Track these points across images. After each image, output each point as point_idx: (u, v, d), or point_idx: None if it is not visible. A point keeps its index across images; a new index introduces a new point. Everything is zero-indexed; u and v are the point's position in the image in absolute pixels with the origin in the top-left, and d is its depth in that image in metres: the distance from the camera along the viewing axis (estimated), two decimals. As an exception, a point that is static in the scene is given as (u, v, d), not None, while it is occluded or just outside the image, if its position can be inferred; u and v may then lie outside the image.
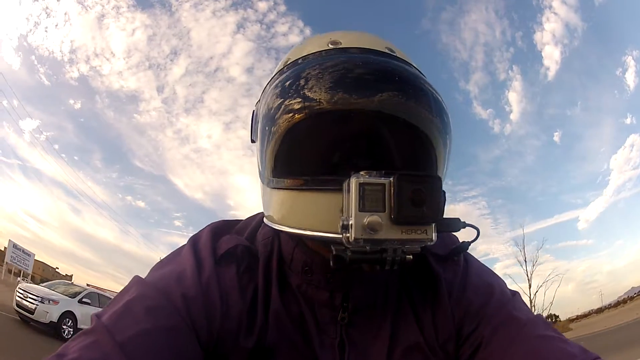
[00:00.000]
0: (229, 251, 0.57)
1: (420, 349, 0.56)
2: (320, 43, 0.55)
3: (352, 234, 0.41)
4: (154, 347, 0.47)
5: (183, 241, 0.62)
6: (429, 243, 0.43)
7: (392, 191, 0.42)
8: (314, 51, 0.54)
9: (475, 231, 0.55)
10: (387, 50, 0.54)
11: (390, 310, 0.58)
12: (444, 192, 0.50)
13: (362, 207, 0.41)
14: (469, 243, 0.56)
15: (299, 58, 0.54)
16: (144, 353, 0.46)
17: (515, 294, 0.60)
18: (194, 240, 0.59)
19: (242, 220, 0.65)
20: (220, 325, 0.53)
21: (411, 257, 0.44)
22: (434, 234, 0.43)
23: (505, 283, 0.62)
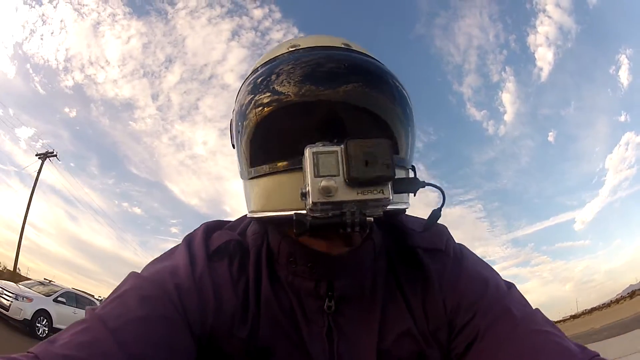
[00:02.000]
0: (221, 246, 0.59)
1: (412, 335, 0.57)
2: (281, 49, 0.59)
3: (309, 199, 0.44)
4: (145, 335, 0.47)
5: (180, 248, 0.63)
6: (387, 202, 0.46)
7: (343, 155, 0.45)
8: (275, 56, 0.58)
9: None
10: (343, 46, 0.58)
11: (379, 297, 0.58)
12: (413, 167, 0.56)
13: (317, 173, 0.44)
14: (439, 209, 0.56)
15: (261, 64, 0.59)
16: (135, 340, 0.46)
17: (511, 286, 0.60)
18: (189, 239, 0.61)
19: (235, 220, 0.68)
20: (213, 318, 0.54)
21: (372, 219, 0.46)
22: (390, 193, 0.45)
23: (500, 276, 0.62)
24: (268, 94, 0.54)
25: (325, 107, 0.52)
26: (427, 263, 0.59)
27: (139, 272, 0.57)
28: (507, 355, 0.51)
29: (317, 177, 0.44)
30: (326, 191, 0.44)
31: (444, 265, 0.60)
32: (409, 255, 0.61)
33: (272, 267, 0.59)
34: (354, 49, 0.58)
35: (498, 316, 0.54)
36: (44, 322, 8.22)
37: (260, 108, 0.54)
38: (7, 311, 7.95)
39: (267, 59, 0.59)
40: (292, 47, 0.58)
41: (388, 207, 0.48)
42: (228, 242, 0.60)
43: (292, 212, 0.48)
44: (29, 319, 7.98)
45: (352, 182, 0.44)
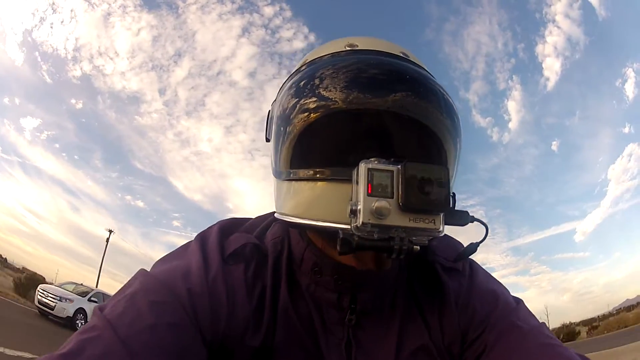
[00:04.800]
0: (238, 250, 0.58)
1: (428, 351, 0.57)
2: (337, 46, 0.57)
3: (360, 218, 0.42)
4: (157, 343, 0.47)
5: (182, 241, 0.62)
6: (437, 234, 0.44)
7: (400, 178, 0.42)
8: (331, 52, 0.56)
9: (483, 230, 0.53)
10: (401, 54, 0.56)
11: (398, 313, 0.59)
12: (454, 194, 0.52)
13: (371, 192, 0.42)
14: (477, 244, 0.54)
15: (316, 59, 0.57)
16: (147, 349, 0.46)
17: (519, 302, 0.61)
18: (203, 238, 0.59)
19: (251, 219, 0.66)
20: (226, 324, 0.53)
21: (418, 247, 0.44)
22: (441, 225, 0.43)
23: (508, 291, 0.63)
24: (314, 98, 0.51)
25: (381, 117, 0.50)
26: (445, 281, 0.60)
27: (149, 269, 0.56)
28: None
29: (370, 196, 0.42)
30: (379, 213, 0.42)
31: (460, 284, 0.61)
32: (428, 272, 0.61)
33: (292, 274, 0.58)
34: (411, 59, 0.57)
35: (506, 330, 0.56)
36: (81, 318, 10.33)
37: (307, 113, 0.51)
38: (53, 310, 10.12)
39: (322, 54, 0.57)
40: (349, 46, 0.56)
41: (442, 233, 0.47)
42: (245, 246, 0.58)
43: (336, 225, 0.46)
44: (71, 316, 10.13)
45: (407, 208, 0.42)
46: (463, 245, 0.62)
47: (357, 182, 0.44)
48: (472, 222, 0.49)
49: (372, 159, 0.44)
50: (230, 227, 0.62)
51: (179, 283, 0.52)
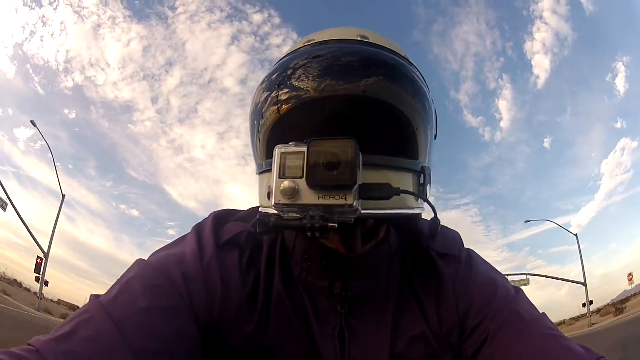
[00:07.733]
0: (233, 238, 0.58)
1: (425, 339, 0.57)
2: (298, 44, 0.60)
3: (272, 199, 0.44)
4: (150, 325, 0.47)
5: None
6: (354, 212, 0.44)
7: (306, 157, 0.43)
8: (292, 50, 0.59)
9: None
10: (358, 38, 0.57)
11: (393, 300, 0.58)
12: (429, 168, 0.54)
13: (282, 174, 0.44)
14: (435, 217, 0.53)
15: (279, 60, 0.59)
16: (140, 331, 0.46)
17: (519, 291, 0.61)
18: (198, 227, 0.60)
19: (244, 210, 0.66)
20: (219, 307, 0.53)
21: (335, 225, 0.44)
22: (354, 200, 0.43)
23: (508, 280, 0.63)
24: (268, 92, 0.55)
25: (320, 104, 0.51)
26: (441, 267, 0.60)
27: (145, 259, 0.56)
28: (516, 356, 0.52)
29: (281, 177, 0.44)
30: (287, 193, 0.43)
31: (457, 270, 0.60)
32: (422, 258, 0.61)
33: (286, 262, 0.59)
34: (369, 40, 0.57)
35: (507, 319, 0.55)
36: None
37: (256, 105, 0.56)
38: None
39: (284, 54, 0.60)
40: (307, 42, 0.58)
41: (400, 211, 0.49)
42: (240, 234, 0.59)
43: (265, 210, 0.49)
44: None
45: (312, 185, 0.43)
46: (459, 235, 0.65)
47: (273, 167, 0.45)
48: (398, 194, 0.48)
49: (290, 143, 0.46)
50: (225, 216, 0.64)
51: (174, 268, 0.53)
